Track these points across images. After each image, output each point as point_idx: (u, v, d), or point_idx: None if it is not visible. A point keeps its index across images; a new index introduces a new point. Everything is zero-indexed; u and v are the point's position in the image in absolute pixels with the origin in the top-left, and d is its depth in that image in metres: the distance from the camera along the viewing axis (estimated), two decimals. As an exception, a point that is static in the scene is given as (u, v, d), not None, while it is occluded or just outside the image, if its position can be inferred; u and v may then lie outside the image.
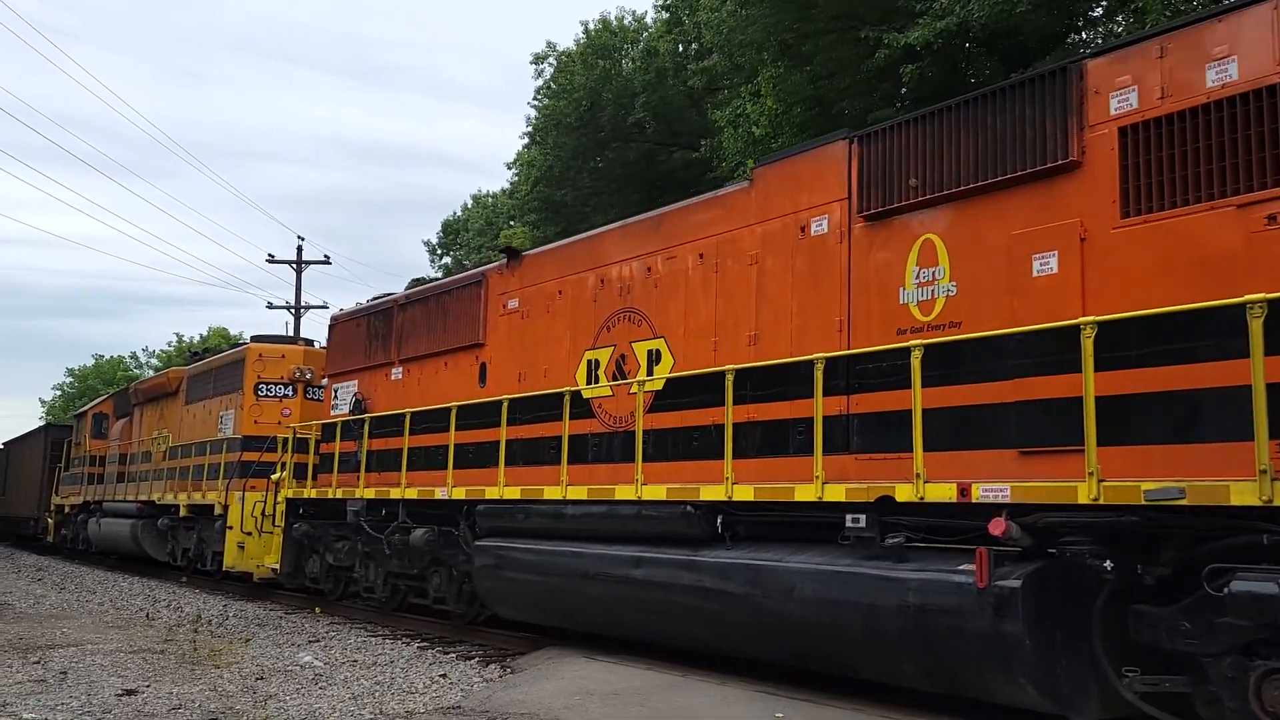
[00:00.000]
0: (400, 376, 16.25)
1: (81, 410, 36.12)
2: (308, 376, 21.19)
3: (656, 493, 10.90)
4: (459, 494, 13.70)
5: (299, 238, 46.92)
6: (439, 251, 55.51)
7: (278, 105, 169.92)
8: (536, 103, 41.10)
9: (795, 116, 24.50)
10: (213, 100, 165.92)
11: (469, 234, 50.39)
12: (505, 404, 13.05)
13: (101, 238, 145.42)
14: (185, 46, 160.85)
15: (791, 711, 8.39)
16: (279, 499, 18.25)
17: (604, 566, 11.30)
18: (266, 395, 21.21)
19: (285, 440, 18.62)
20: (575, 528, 11.93)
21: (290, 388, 21.31)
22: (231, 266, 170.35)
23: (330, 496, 16.65)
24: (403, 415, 14.97)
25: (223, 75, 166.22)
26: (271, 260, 45.25)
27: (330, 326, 18.82)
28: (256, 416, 20.92)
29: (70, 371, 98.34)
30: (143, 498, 25.48)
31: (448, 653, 12.85)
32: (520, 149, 45.57)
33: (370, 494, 15.62)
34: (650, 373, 11.75)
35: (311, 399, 21.16)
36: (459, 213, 55.15)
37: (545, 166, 39.57)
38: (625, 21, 40.29)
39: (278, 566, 18.20)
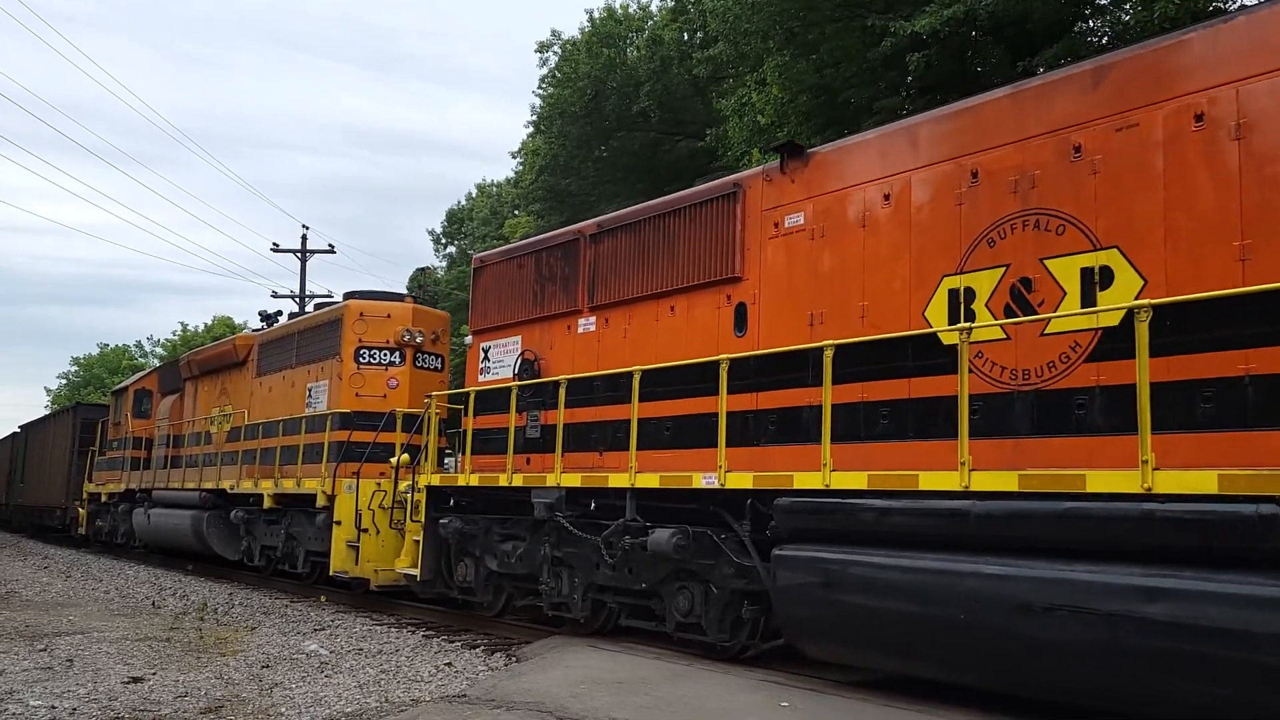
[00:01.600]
0: (593, 328, 10.59)
1: (121, 386, 26.81)
2: (418, 340, 15.04)
3: (1194, 484, 5.63)
4: (740, 482, 8.17)
5: (304, 227, 40.77)
6: (443, 241, 49.37)
7: (286, 93, 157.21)
8: (541, 91, 35.83)
9: (801, 105, 21.48)
10: (221, 88, 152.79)
11: (474, 223, 44.47)
12: (828, 353, 7.54)
13: (106, 226, 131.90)
14: (194, 33, 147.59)
15: (796, 700, 7.09)
16: (418, 487, 12.31)
17: (1069, 597, 5.98)
18: (369, 362, 14.88)
19: (407, 416, 13.35)
20: (982, 534, 6.55)
21: (397, 353, 15.00)
22: (236, 255, 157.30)
23: (504, 484, 10.76)
24: (628, 375, 9.29)
25: (231, 62, 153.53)
26: (276, 249, 39.41)
27: (475, 270, 12.76)
28: (358, 388, 14.74)
29: (75, 360, 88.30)
30: (208, 485, 18.40)
31: (453, 641, 10.96)
32: (525, 138, 40.09)
33: (574, 481, 9.88)
34: (1089, 301, 6.53)
35: (422, 367, 15.14)
36: (464, 202, 49.09)
37: (550, 155, 34.94)
38: (630, 10, 35.20)
39: (413, 571, 12.32)
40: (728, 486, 8.23)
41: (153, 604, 14.47)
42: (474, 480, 11.43)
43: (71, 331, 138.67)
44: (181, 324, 70.18)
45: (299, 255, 38.68)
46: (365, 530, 13.51)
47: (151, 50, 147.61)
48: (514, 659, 9.66)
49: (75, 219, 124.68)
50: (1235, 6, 14.57)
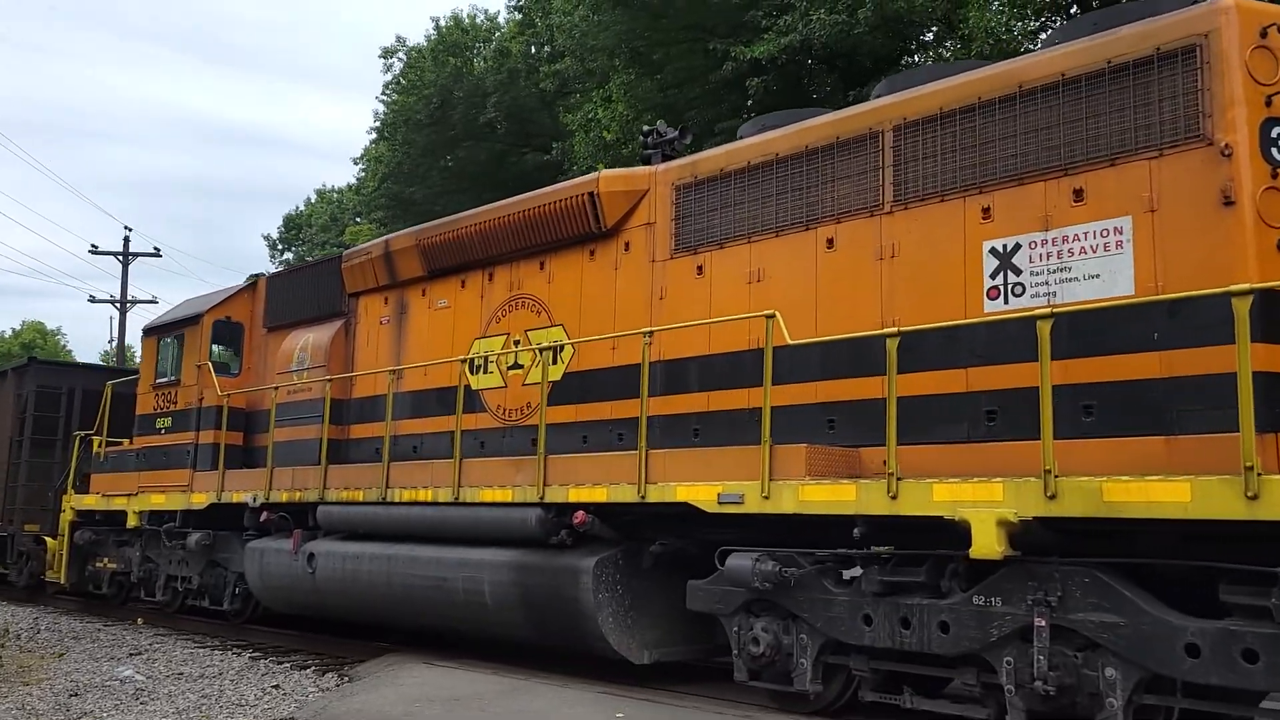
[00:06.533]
0: None
1: (171, 318, 14.59)
2: None
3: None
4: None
5: (126, 228, 38.67)
6: (279, 246, 47.66)
7: (116, 82, 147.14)
8: (385, 98, 35.35)
9: (645, 122, 22.28)
10: (42, 73, 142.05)
11: (312, 229, 43.16)
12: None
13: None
14: (11, 12, 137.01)
15: (631, 710, 7.27)
16: None
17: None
18: None
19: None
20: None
21: None
22: (50, 256, 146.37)
23: None
24: None
25: (54, 46, 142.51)
26: (95, 251, 37.37)
27: None
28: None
29: None
30: (606, 494, 8.02)
31: (282, 663, 10.63)
32: (368, 144, 39.31)
33: None
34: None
35: None
36: (302, 207, 47.48)
37: (394, 163, 34.36)
38: (477, 20, 35.08)
39: None
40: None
41: (-53, 630, 13.50)
42: None
43: None
44: (-14, 329, 65.17)
45: (120, 258, 36.73)
46: None
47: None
48: (346, 679, 9.43)
49: None
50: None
